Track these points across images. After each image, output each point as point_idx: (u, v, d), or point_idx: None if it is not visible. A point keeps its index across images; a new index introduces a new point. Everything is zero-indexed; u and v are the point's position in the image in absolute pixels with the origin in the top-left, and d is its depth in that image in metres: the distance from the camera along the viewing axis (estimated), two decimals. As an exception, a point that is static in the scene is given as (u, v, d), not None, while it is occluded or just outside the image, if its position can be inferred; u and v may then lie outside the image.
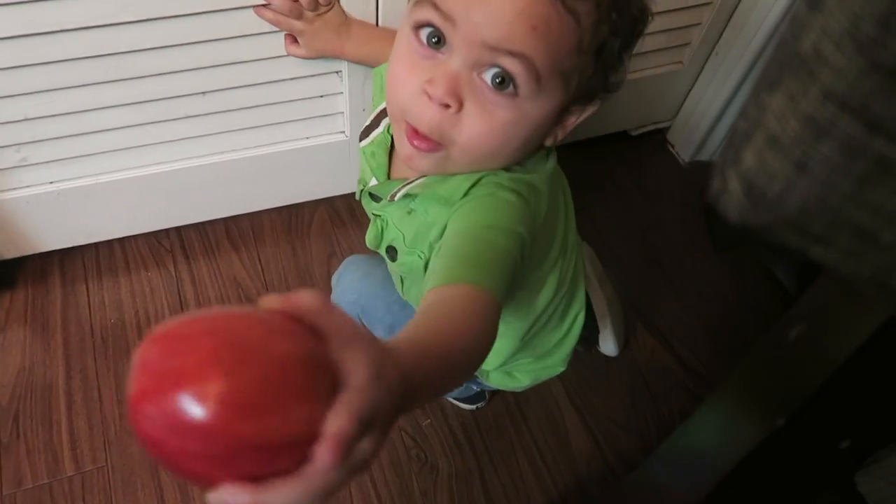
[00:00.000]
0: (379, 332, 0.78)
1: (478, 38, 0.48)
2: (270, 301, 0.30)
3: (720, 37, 1.14)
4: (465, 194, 0.55)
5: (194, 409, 0.25)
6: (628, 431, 0.99)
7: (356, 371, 0.29)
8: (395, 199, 0.63)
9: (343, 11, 0.82)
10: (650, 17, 0.54)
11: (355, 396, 0.28)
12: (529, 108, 0.51)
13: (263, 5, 0.79)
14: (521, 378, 0.81)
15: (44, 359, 0.98)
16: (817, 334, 0.41)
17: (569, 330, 0.78)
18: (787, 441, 0.43)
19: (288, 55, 0.86)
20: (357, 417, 0.28)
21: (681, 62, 1.19)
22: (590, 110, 0.57)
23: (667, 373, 1.05)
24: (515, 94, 0.50)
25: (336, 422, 0.27)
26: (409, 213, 0.62)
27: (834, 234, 0.30)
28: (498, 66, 0.49)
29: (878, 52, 0.25)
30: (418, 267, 0.63)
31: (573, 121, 0.57)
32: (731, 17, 1.10)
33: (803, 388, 0.41)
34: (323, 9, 0.80)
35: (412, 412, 0.96)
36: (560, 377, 1.01)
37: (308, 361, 0.28)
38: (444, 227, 0.56)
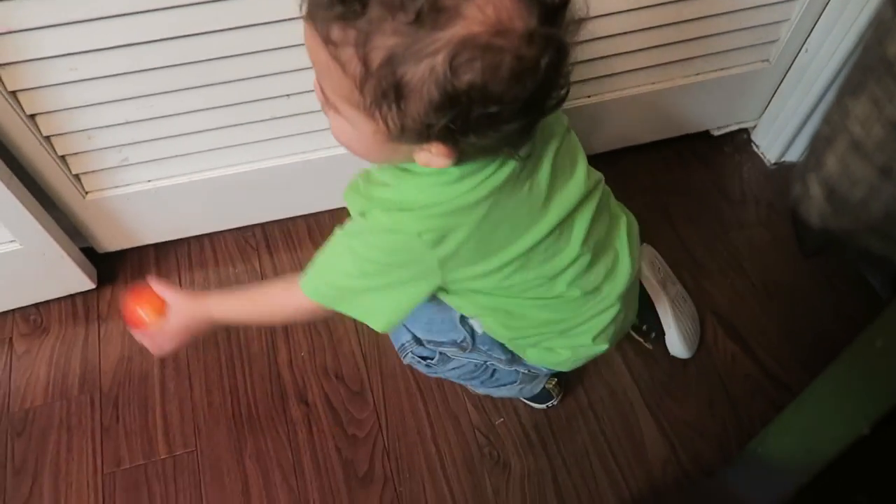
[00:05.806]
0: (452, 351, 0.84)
1: None
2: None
3: (810, 33, 1.09)
4: (361, 214, 0.64)
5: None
6: (705, 437, 0.97)
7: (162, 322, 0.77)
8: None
9: None
10: (491, 99, 0.48)
11: (148, 333, 0.78)
12: (343, 123, 0.56)
13: None
14: (561, 352, 0.79)
15: (141, 348, 1.03)
16: (905, 343, 0.40)
17: (602, 311, 0.75)
18: (872, 450, 0.42)
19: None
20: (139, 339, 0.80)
21: (767, 60, 1.15)
22: (441, 155, 0.55)
23: (748, 379, 1.02)
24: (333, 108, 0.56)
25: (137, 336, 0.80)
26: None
27: (921, 240, 0.29)
28: None
29: (968, 55, 0.24)
30: None
31: (432, 154, 0.56)
32: (822, 12, 1.06)
33: (890, 397, 0.40)
34: None
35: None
36: (636, 381, 1.01)
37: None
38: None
